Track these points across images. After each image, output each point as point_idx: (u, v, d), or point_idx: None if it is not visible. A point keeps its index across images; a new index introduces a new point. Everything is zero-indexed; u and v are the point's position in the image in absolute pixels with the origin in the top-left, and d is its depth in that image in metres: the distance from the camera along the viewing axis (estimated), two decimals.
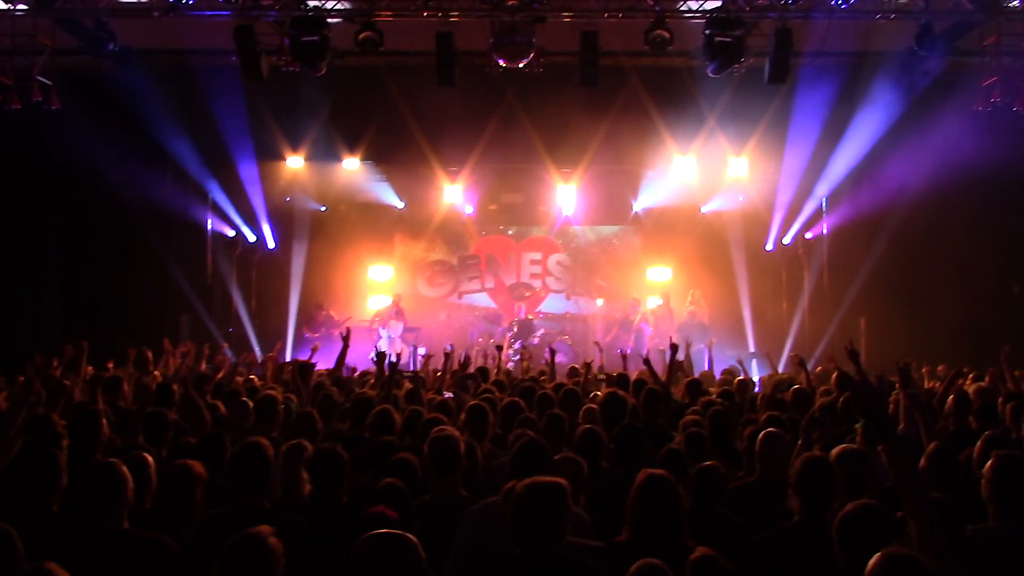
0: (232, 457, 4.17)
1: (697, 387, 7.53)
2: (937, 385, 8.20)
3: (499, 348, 10.75)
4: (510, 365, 12.68)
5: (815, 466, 3.73)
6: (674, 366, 7.71)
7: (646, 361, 7.81)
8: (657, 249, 16.69)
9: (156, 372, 8.81)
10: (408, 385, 7.77)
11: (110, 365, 9.15)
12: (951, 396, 6.20)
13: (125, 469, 3.80)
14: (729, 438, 5.75)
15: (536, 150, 13.66)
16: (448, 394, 7.39)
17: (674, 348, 7.83)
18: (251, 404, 6.05)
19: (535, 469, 4.02)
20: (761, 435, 4.69)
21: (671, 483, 3.61)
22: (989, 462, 3.69)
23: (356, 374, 10.00)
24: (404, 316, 15.81)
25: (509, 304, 16.73)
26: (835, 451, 4.08)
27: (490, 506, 3.91)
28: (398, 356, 7.46)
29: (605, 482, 4.59)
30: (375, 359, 7.58)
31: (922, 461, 4.15)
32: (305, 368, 7.63)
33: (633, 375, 8.28)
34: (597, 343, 12.98)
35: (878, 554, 2.67)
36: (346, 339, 7.80)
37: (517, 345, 14.87)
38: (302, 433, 5.35)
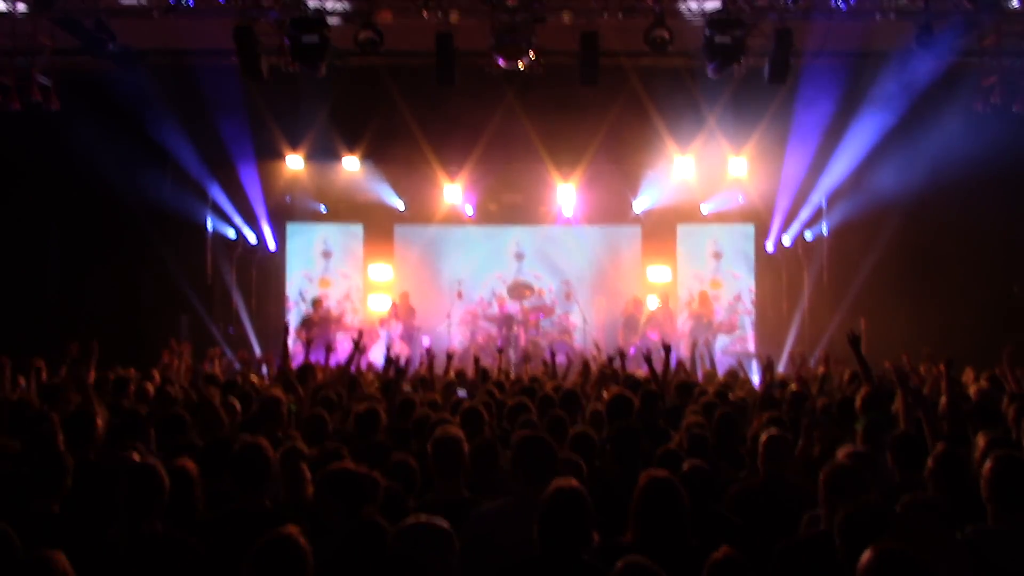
0: (232, 458, 4.17)
1: (687, 388, 7.50)
2: (943, 383, 8.10)
3: (500, 350, 10.76)
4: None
5: (843, 474, 3.70)
6: (668, 367, 7.71)
7: (647, 360, 7.80)
8: (657, 249, 16.69)
9: (156, 373, 8.81)
10: (408, 387, 7.76)
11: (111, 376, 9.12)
12: (944, 397, 6.17)
13: (164, 472, 3.79)
14: (733, 440, 5.73)
15: (536, 150, 13.64)
16: (462, 393, 7.42)
17: (667, 349, 7.82)
18: (238, 405, 6.05)
19: (538, 464, 4.02)
20: (764, 438, 4.67)
21: (675, 484, 3.61)
22: (988, 463, 3.69)
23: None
24: (413, 314, 15.79)
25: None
26: (841, 453, 4.06)
27: (502, 509, 3.91)
28: (397, 358, 7.47)
29: (599, 482, 4.59)
30: (383, 361, 7.61)
31: (928, 462, 4.12)
32: (305, 370, 7.61)
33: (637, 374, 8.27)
34: (596, 343, 12.97)
35: (870, 548, 2.64)
36: (357, 344, 7.78)
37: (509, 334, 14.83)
38: (311, 435, 5.37)
